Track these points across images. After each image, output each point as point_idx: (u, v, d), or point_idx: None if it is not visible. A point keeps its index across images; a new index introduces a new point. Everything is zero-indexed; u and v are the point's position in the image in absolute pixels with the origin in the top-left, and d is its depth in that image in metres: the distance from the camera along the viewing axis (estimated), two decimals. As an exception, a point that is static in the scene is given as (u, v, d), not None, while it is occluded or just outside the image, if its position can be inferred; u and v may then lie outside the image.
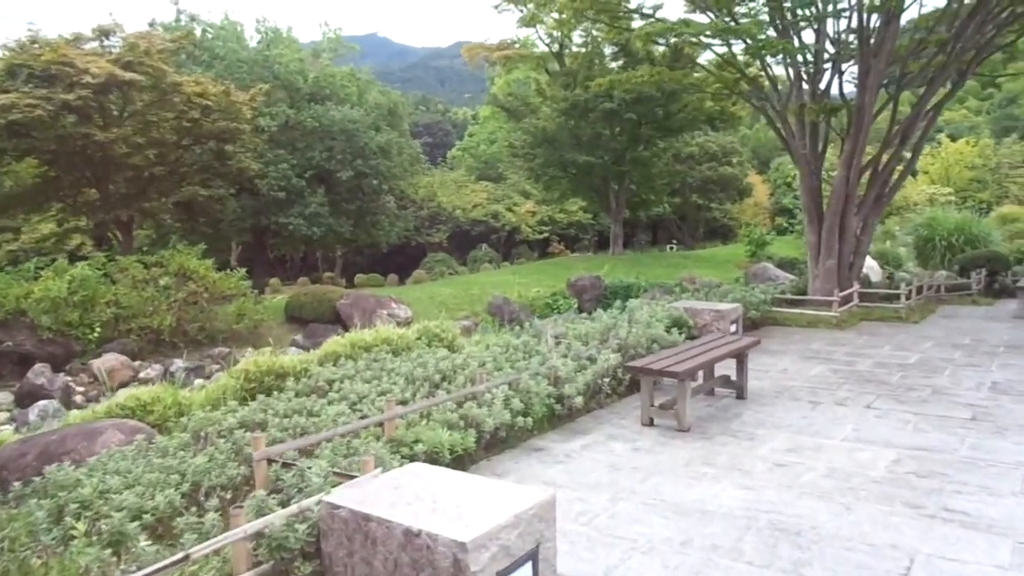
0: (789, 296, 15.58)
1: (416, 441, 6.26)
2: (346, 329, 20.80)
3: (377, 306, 20.44)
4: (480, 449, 6.80)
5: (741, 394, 8.81)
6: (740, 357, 8.68)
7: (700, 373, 8.21)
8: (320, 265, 47.10)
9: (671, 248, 48.91)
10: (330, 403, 7.70)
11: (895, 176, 16.50)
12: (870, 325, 14.39)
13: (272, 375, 9.31)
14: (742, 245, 35.91)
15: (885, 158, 16.40)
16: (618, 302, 12.98)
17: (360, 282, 38.89)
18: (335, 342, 10.36)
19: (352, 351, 10.09)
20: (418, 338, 11.07)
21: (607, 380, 8.46)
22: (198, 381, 13.97)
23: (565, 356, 8.99)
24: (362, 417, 6.65)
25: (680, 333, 9.88)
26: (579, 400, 7.73)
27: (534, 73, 36.77)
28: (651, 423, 7.77)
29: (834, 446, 6.96)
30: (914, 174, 44.82)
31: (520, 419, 7.02)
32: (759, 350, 11.27)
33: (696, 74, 18.01)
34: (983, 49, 15.62)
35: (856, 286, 15.49)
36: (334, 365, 9.36)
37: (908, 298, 14.98)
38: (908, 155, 16.90)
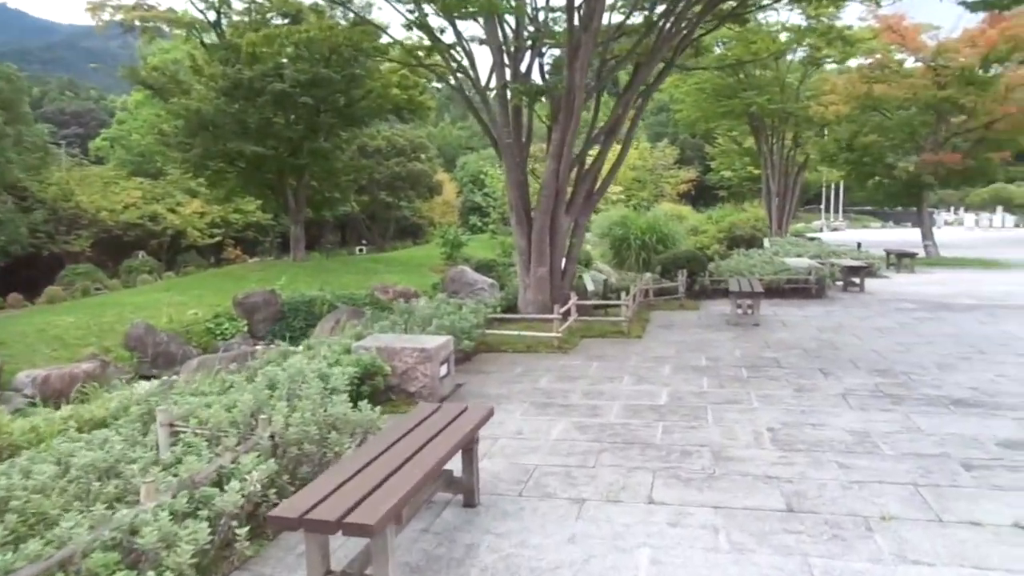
0: (501, 314, 13.07)
1: None
2: None
3: (-62, 354, 14.13)
4: None
5: (471, 499, 5.69)
6: (469, 446, 5.56)
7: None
8: (-94, 286, 35.74)
9: (361, 251, 45.64)
10: None
11: (605, 171, 14.86)
12: (594, 344, 12.35)
13: None
14: (436, 246, 33.76)
15: (593, 152, 14.67)
16: (286, 345, 9.31)
17: (-39, 306, 29.50)
18: None
19: None
20: (-83, 444, 6.30)
21: (245, 526, 4.73)
22: None
23: (179, 462, 5.15)
24: None
25: (373, 406, 6.42)
26: (182, 594, 3.94)
27: (188, 46, 30.86)
28: (328, 606, 4.28)
29: (641, 619, 4.09)
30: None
31: None
32: (481, 398, 8.42)
33: (382, 40, 14.80)
34: (688, 35, 14.51)
35: (574, 297, 13.45)
36: None
37: (627, 307, 13.26)
38: (618, 146, 15.40)
